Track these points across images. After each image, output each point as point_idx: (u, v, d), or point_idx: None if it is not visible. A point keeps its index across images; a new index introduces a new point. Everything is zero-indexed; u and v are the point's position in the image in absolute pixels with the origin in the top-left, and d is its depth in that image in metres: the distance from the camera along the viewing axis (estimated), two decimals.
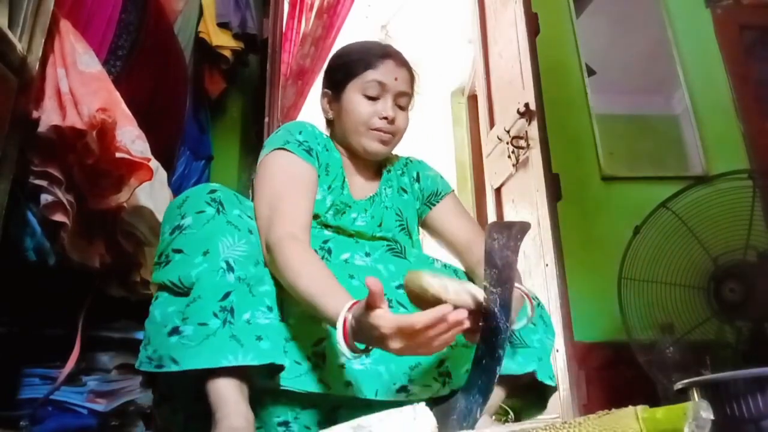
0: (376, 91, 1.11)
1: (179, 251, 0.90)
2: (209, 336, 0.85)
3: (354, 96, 1.12)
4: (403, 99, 1.14)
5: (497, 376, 0.80)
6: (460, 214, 1.22)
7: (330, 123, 1.20)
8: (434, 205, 1.22)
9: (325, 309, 0.84)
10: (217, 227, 0.91)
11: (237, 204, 0.97)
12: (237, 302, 0.89)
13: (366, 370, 0.98)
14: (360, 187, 1.18)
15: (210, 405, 0.87)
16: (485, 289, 0.82)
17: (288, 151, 1.06)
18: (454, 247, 1.18)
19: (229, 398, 0.86)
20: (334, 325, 0.81)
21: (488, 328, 0.81)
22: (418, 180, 1.24)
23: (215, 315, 0.87)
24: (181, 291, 0.90)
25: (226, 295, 0.88)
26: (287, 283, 0.90)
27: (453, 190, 1.26)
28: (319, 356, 0.97)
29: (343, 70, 1.14)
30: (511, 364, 0.99)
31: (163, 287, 0.92)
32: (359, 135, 1.12)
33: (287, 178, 1.04)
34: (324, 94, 1.19)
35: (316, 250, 1.02)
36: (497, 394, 1.01)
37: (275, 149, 1.07)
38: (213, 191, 0.95)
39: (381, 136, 1.11)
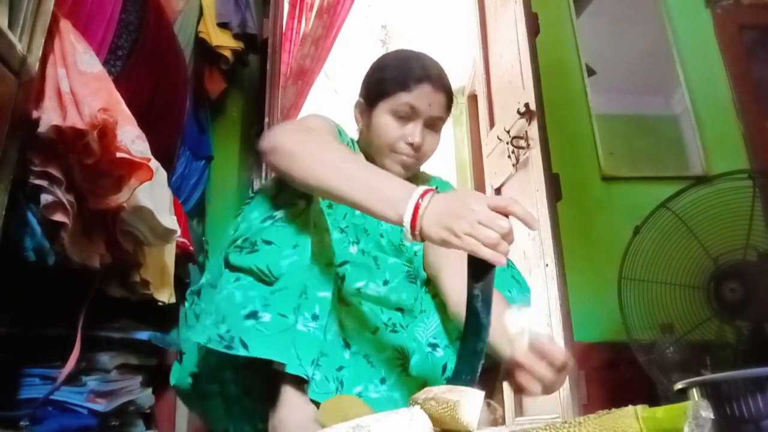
0: (407, 114, 1.08)
1: (269, 242, 0.87)
2: (287, 329, 0.84)
3: (383, 115, 1.09)
4: (436, 123, 1.11)
5: (479, 371, 0.80)
6: None
7: (360, 132, 1.19)
8: None
9: (390, 188, 0.80)
10: (306, 222, 0.90)
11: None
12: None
13: (381, 398, 0.97)
14: None
15: (271, 393, 0.86)
16: (468, 284, 0.82)
17: (321, 117, 1.05)
18: (432, 272, 1.12)
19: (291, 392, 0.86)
20: (388, 207, 0.78)
21: (470, 324, 0.82)
22: None
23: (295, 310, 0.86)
24: (266, 279, 0.86)
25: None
26: (326, 162, 0.84)
27: None
28: (339, 382, 0.96)
29: (378, 87, 1.11)
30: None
31: (244, 270, 0.88)
32: (383, 155, 1.10)
33: (316, 123, 1.01)
34: (357, 104, 1.18)
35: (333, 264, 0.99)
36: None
37: (309, 115, 1.07)
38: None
39: (404, 160, 1.09)
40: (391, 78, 1.10)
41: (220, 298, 0.87)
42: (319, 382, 0.92)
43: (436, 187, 1.12)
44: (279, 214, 0.89)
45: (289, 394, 0.86)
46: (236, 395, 0.96)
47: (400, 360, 1.01)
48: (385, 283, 1.06)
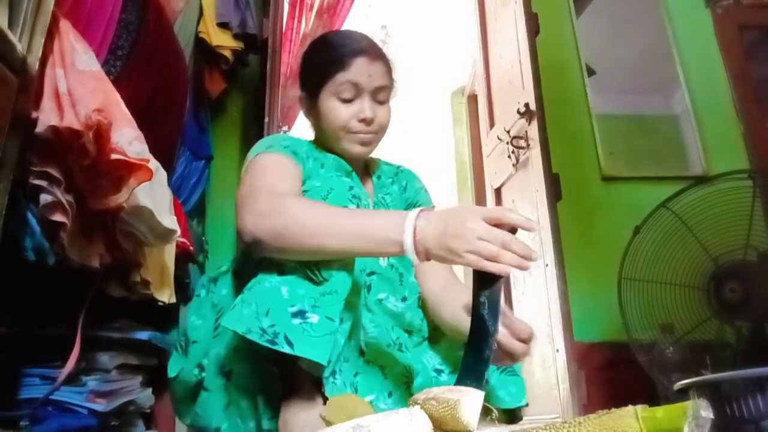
0: (351, 93, 1.06)
1: None
2: (331, 333, 0.83)
3: (328, 101, 1.07)
4: (382, 93, 1.09)
5: (485, 378, 0.80)
6: None
7: (313, 127, 1.17)
8: None
9: (382, 224, 0.82)
10: None
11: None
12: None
13: (388, 409, 0.97)
14: None
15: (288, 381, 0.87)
16: (473, 293, 0.83)
17: (270, 152, 1.03)
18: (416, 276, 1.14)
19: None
20: (390, 244, 0.81)
21: (476, 331, 0.82)
22: (405, 190, 1.22)
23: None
24: (315, 279, 0.86)
25: None
26: (316, 221, 0.83)
27: (433, 207, 1.21)
28: (354, 388, 0.97)
29: (315, 75, 1.10)
30: (505, 397, 0.98)
31: (290, 266, 0.87)
32: (339, 140, 1.09)
33: (271, 169, 0.99)
34: (300, 99, 1.16)
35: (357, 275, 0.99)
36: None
37: (258, 154, 1.04)
38: (351, 188, 0.93)
39: (361, 138, 1.08)
40: (325, 62, 1.08)
41: (261, 289, 0.86)
42: (339, 388, 0.93)
43: (429, 206, 1.15)
44: None
45: (303, 393, 0.86)
46: (251, 389, 0.95)
47: (405, 377, 1.02)
48: (404, 299, 1.07)
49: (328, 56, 1.08)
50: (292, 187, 0.95)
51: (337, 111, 1.07)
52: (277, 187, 0.92)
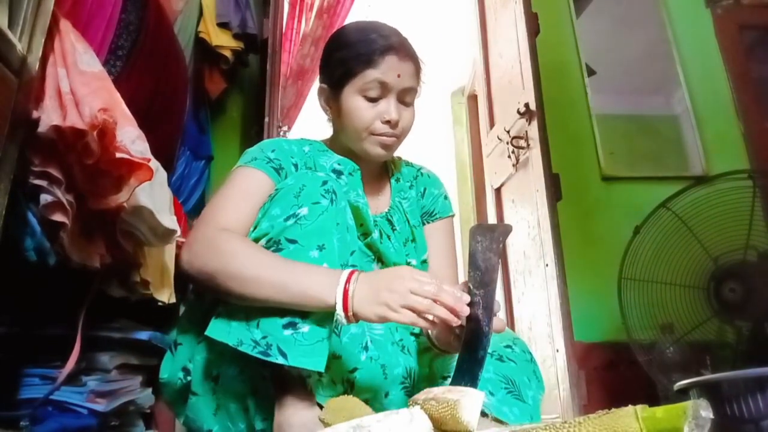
0: (378, 92, 1.01)
1: (293, 241, 0.85)
2: (324, 339, 0.83)
3: (353, 98, 1.02)
4: (409, 95, 1.04)
5: (479, 378, 0.80)
6: (443, 244, 1.16)
7: (331, 121, 1.12)
8: (426, 223, 1.17)
9: (313, 283, 0.81)
10: (330, 222, 0.87)
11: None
12: None
13: (384, 409, 0.97)
14: (371, 198, 1.10)
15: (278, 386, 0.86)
16: (468, 291, 0.83)
17: (252, 167, 1.00)
18: None
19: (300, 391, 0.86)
20: (319, 304, 0.81)
21: (471, 331, 0.82)
22: (423, 196, 1.18)
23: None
24: None
25: None
26: (244, 271, 0.83)
27: (452, 215, 1.20)
28: (349, 384, 0.95)
29: (341, 68, 1.03)
30: (508, 414, 0.96)
31: None
32: (360, 140, 1.04)
33: (238, 190, 0.98)
34: (321, 91, 1.10)
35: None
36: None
37: (240, 166, 1.02)
38: (325, 182, 0.90)
39: (383, 141, 1.03)
40: (354, 56, 1.02)
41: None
42: (325, 385, 0.91)
43: (447, 216, 1.18)
44: (303, 212, 0.86)
45: (295, 394, 0.85)
46: (240, 392, 0.94)
47: (406, 379, 1.01)
48: None
49: (356, 50, 1.02)
50: (245, 217, 0.93)
51: (362, 111, 1.02)
52: (229, 219, 0.92)
